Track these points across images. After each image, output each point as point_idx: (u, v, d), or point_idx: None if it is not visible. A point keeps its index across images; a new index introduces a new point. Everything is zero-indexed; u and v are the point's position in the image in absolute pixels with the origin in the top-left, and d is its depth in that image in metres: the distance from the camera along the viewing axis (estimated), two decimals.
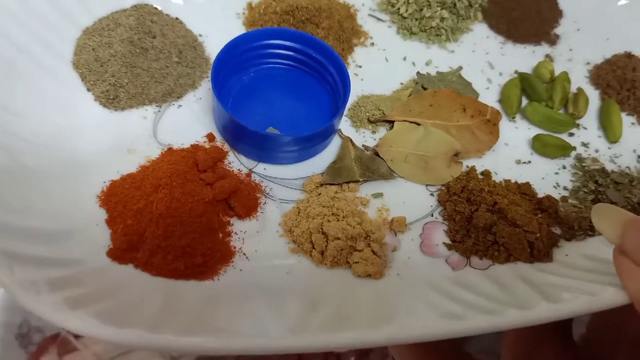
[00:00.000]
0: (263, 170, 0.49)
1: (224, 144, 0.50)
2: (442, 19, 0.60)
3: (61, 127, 0.47)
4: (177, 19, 0.56)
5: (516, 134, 0.55)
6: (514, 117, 0.55)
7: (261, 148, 0.48)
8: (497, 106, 0.56)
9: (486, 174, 0.51)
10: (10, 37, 0.47)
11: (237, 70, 0.52)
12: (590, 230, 0.48)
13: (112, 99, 0.49)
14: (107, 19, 0.53)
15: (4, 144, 0.42)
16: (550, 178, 0.52)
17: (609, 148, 0.55)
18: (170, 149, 0.48)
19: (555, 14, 0.64)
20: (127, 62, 0.50)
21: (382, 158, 0.50)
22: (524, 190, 0.50)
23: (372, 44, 0.59)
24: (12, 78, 0.46)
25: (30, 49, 0.48)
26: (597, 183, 0.51)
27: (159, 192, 0.43)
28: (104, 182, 0.45)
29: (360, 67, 0.57)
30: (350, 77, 0.50)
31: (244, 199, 0.46)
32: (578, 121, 0.56)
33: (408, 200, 0.49)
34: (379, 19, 0.61)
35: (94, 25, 0.52)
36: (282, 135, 0.48)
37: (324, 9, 0.56)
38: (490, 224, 0.45)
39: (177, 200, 0.43)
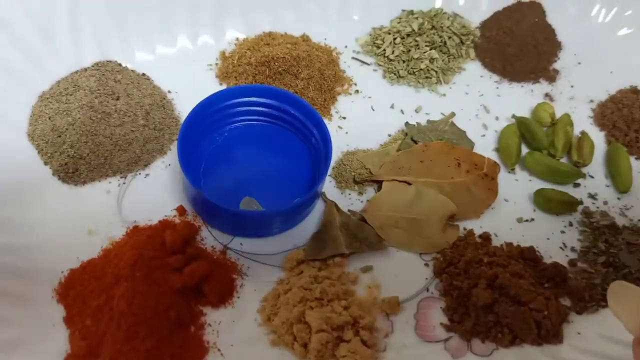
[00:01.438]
0: (239, 245, 0.44)
1: (195, 217, 0.45)
2: (432, 59, 0.56)
3: (16, 209, 0.42)
4: (143, 74, 0.51)
5: (516, 188, 0.50)
6: (513, 169, 0.51)
7: (236, 223, 0.44)
8: (494, 156, 0.52)
9: (485, 237, 0.47)
10: None
11: (208, 131, 0.48)
12: (603, 301, 0.43)
13: (71, 173, 0.45)
14: (66, 81, 0.48)
15: None
16: (556, 238, 0.47)
17: (619, 199, 0.50)
18: (135, 227, 0.44)
19: (554, 47, 0.60)
20: (87, 130, 0.45)
21: (370, 224, 0.46)
22: (528, 255, 0.45)
23: (357, 91, 0.54)
24: None
25: None
26: (608, 242, 0.46)
27: (120, 285, 0.39)
28: (62, 271, 0.41)
29: (344, 118, 0.53)
30: (331, 136, 0.45)
31: (218, 284, 0.41)
32: (584, 169, 0.52)
33: (401, 272, 0.44)
34: (363, 62, 0.57)
35: (51, 89, 0.48)
36: (258, 212, 0.43)
37: (303, 57, 0.52)
38: (491, 303, 0.41)
39: (140, 294, 0.38)
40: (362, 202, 0.48)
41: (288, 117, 0.48)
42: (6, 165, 0.44)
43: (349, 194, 0.48)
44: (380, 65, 0.56)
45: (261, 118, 0.49)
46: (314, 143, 0.47)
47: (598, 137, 0.54)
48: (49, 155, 0.45)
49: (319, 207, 0.47)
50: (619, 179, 0.51)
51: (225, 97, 0.47)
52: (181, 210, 0.45)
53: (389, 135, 0.52)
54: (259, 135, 0.49)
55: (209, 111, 0.46)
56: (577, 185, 0.51)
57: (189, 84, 0.52)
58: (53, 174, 0.45)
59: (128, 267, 0.39)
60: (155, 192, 0.46)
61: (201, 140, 0.47)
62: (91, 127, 0.45)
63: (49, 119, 0.46)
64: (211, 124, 0.47)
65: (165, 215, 0.45)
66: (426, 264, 0.45)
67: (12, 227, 0.41)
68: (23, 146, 0.46)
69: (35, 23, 0.48)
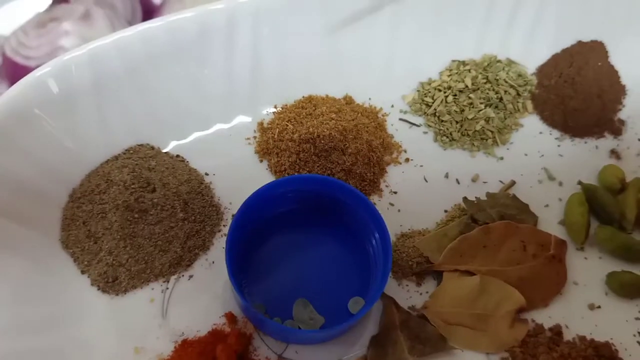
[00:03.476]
0: (295, 354, 0.42)
1: (246, 323, 0.43)
2: (488, 119, 0.52)
3: (61, 334, 0.40)
4: (178, 156, 0.48)
5: (586, 268, 0.47)
6: (582, 246, 0.48)
7: (290, 333, 0.42)
8: (560, 230, 0.48)
9: (556, 331, 0.44)
10: None
11: (254, 222, 0.44)
12: None
13: (111, 282, 0.42)
14: (97, 175, 0.45)
15: None
16: (631, 326, 0.44)
17: None
18: (184, 341, 0.41)
19: (619, 93, 0.55)
20: (125, 233, 0.42)
21: (431, 323, 0.43)
22: (604, 353, 0.42)
23: (407, 159, 0.51)
24: None
25: (11, 232, 0.41)
26: None
27: None
28: None
29: (395, 193, 0.49)
30: (383, 215, 0.42)
31: None
32: None
33: None
34: (412, 124, 0.53)
35: (82, 186, 0.45)
36: (313, 331, 0.41)
37: (350, 129, 0.48)
38: None
39: None
40: (421, 294, 0.45)
41: (347, 211, 0.44)
42: (41, 281, 0.41)
43: (407, 285, 0.45)
44: (430, 126, 0.52)
45: (313, 206, 0.45)
46: (373, 243, 0.43)
47: None
48: (85, 263, 0.43)
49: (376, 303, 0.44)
50: None
51: (275, 189, 0.43)
52: (231, 318, 0.43)
53: (445, 212, 0.49)
54: (311, 225, 0.46)
55: (256, 205, 0.43)
56: None
57: (227, 163, 0.49)
58: (92, 284, 0.43)
59: None
60: (201, 295, 0.43)
61: (247, 237, 0.44)
62: (129, 229, 0.43)
63: (83, 223, 0.43)
64: (257, 217, 0.44)
65: (214, 324, 0.42)
66: None
67: (56, 354, 0.39)
68: (57, 256, 0.43)
69: (59, 111, 0.44)
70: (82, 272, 0.43)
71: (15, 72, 0.52)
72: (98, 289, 0.43)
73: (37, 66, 0.45)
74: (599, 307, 0.45)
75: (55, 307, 0.41)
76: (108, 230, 0.43)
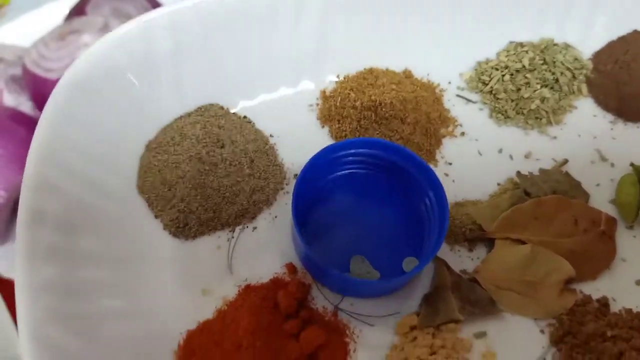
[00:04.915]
0: (350, 306, 0.44)
1: (305, 274, 0.45)
2: (543, 99, 0.53)
3: (133, 270, 0.43)
4: (245, 117, 0.51)
5: (635, 246, 0.48)
6: (632, 225, 0.49)
7: (348, 285, 0.44)
8: (611, 209, 0.50)
9: (603, 303, 0.45)
10: (71, 167, 0.43)
11: (318, 184, 0.47)
12: None
13: (182, 228, 0.45)
14: (171, 129, 0.48)
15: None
16: None
17: None
18: (247, 286, 0.44)
19: None
20: (197, 183, 0.46)
21: (482, 287, 0.45)
22: None
23: (463, 133, 0.53)
24: (75, 210, 0.43)
25: (91, 174, 0.44)
26: None
27: (241, 353, 0.40)
28: (181, 332, 0.42)
29: (450, 164, 0.51)
30: (444, 190, 0.44)
31: (332, 351, 0.42)
32: None
33: (516, 340, 0.44)
34: (468, 100, 0.55)
35: (157, 138, 0.48)
36: (370, 282, 0.43)
37: (409, 99, 0.50)
38: None
39: None
40: (472, 259, 0.47)
41: (403, 172, 0.47)
42: (117, 221, 0.44)
43: (459, 250, 0.47)
44: (486, 103, 0.54)
45: (372, 169, 0.48)
46: (427, 203, 0.46)
47: None
48: (159, 208, 0.46)
49: (428, 264, 0.47)
50: None
51: (337, 150, 0.46)
52: (291, 268, 0.45)
53: (498, 184, 0.50)
54: (368, 186, 0.48)
55: (319, 164, 0.46)
56: None
57: (290, 127, 0.51)
58: (164, 228, 0.46)
59: (248, 335, 0.40)
60: (264, 246, 0.46)
61: (309, 193, 0.47)
62: (200, 179, 0.46)
63: (159, 171, 0.46)
64: (319, 175, 0.47)
65: (276, 273, 0.45)
66: (542, 331, 0.44)
67: (127, 290, 0.42)
68: (133, 199, 0.46)
69: (140, 70, 0.47)
70: (156, 217, 0.46)
71: (36, 84, 0.52)
72: (169, 233, 0.46)
73: (58, 78, 0.47)
74: None
75: (130, 245, 0.44)
76: (181, 179, 0.46)
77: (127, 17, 0.57)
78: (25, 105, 0.55)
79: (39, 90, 0.51)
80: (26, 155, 0.42)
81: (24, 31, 0.60)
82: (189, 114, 0.50)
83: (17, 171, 0.46)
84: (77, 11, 0.59)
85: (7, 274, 0.47)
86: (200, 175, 0.46)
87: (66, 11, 0.60)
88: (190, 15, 0.48)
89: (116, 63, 0.47)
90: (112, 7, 0.58)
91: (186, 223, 0.45)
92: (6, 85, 0.55)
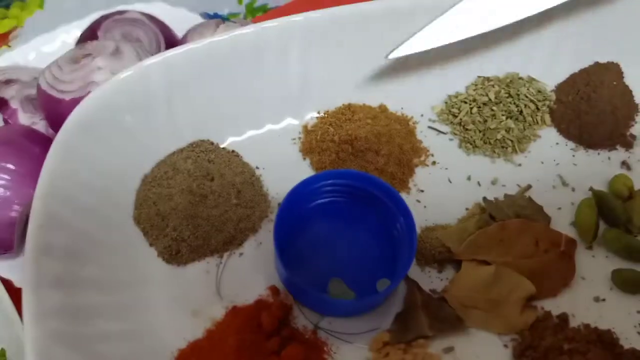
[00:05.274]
0: (328, 324, 0.49)
1: (287, 296, 0.50)
2: (508, 129, 0.58)
3: (129, 293, 0.48)
4: (233, 151, 0.56)
5: (593, 265, 0.52)
6: (590, 246, 0.53)
7: (326, 305, 0.48)
8: (571, 230, 0.54)
9: (563, 318, 0.49)
10: (74, 202, 0.48)
11: (298, 212, 0.52)
12: None
13: (174, 254, 0.50)
14: (165, 163, 0.53)
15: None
16: (633, 318, 0.49)
17: None
18: (234, 307, 0.48)
19: (631, 111, 0.61)
20: (188, 214, 0.50)
21: (450, 305, 0.49)
22: (606, 339, 0.48)
23: (434, 162, 0.57)
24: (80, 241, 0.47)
25: (94, 207, 0.49)
26: None
27: None
28: (172, 352, 0.46)
29: (422, 191, 0.56)
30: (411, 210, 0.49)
31: None
32: None
33: (481, 354, 0.47)
34: (439, 132, 0.59)
35: (152, 172, 0.53)
36: (346, 301, 0.48)
37: (383, 133, 0.55)
38: None
39: None
40: (441, 279, 0.51)
41: (374, 200, 0.51)
42: (115, 249, 0.49)
43: (429, 272, 0.52)
44: (456, 134, 0.59)
45: (346, 197, 0.52)
46: (398, 228, 0.50)
47: None
48: (154, 237, 0.50)
49: (400, 284, 0.51)
50: None
51: (316, 181, 0.51)
52: (274, 290, 0.49)
53: (466, 209, 0.55)
54: (346, 214, 0.52)
55: (300, 194, 0.50)
56: None
57: (275, 159, 0.56)
58: (158, 255, 0.50)
59: (233, 353, 0.44)
60: (249, 270, 0.51)
61: (290, 221, 0.51)
62: (191, 210, 0.50)
63: (154, 203, 0.51)
64: (300, 204, 0.51)
65: (260, 294, 0.49)
66: (505, 345, 0.48)
67: (123, 312, 0.46)
68: (130, 229, 0.51)
69: (138, 111, 0.52)
70: (151, 245, 0.51)
71: (50, 104, 0.54)
72: (163, 260, 0.50)
73: (72, 100, 0.52)
74: (604, 300, 0.51)
75: (127, 271, 0.49)
76: (174, 210, 0.50)
77: (137, 41, 0.62)
78: (39, 125, 0.59)
79: (53, 110, 0.54)
80: (39, 172, 0.46)
81: (38, 53, 0.65)
82: (181, 150, 0.54)
83: (31, 187, 0.48)
84: (89, 34, 0.63)
85: (20, 284, 0.50)
86: (191, 207, 0.50)
87: (78, 34, 0.65)
88: (183, 60, 0.53)
89: (117, 105, 0.51)
90: (123, 31, 0.63)
91: (178, 250, 0.50)
92: (21, 105, 0.59)
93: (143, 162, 0.54)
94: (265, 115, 0.58)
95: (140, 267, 0.50)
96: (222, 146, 0.56)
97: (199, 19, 0.69)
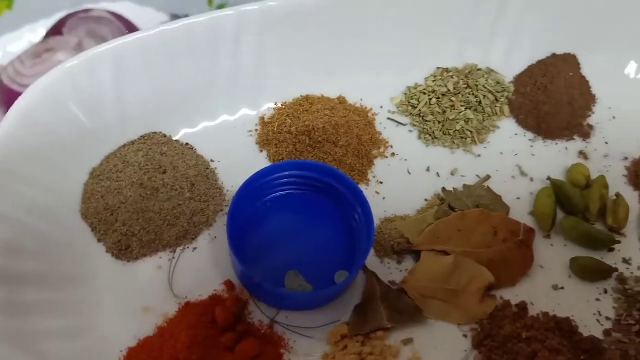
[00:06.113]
0: (285, 319, 0.48)
1: (243, 291, 0.49)
2: (467, 120, 0.58)
3: (74, 290, 0.46)
4: (187, 144, 0.55)
5: (552, 254, 0.53)
6: (548, 234, 0.54)
7: (282, 299, 0.48)
8: (530, 220, 0.55)
9: (522, 307, 0.50)
10: (15, 192, 0.46)
11: (253, 205, 0.51)
12: None
13: (124, 250, 0.49)
14: (115, 156, 0.52)
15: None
16: (591, 306, 0.50)
17: None
18: (187, 303, 0.47)
19: (589, 102, 0.62)
20: (138, 207, 0.49)
21: (409, 296, 0.49)
22: (564, 327, 0.48)
23: (393, 154, 0.58)
24: (21, 235, 0.46)
25: (37, 201, 0.48)
26: None
27: None
28: (121, 350, 0.45)
29: (381, 183, 0.56)
30: (370, 202, 0.49)
31: None
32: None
33: (440, 344, 0.48)
34: (399, 123, 0.60)
35: (102, 166, 0.52)
36: (305, 293, 0.47)
37: (341, 124, 0.55)
38: None
39: None
40: (401, 271, 0.51)
41: (332, 190, 0.51)
42: (61, 244, 0.48)
43: (388, 263, 0.52)
44: (415, 125, 0.59)
45: (303, 188, 0.52)
46: (356, 218, 0.50)
47: (633, 197, 0.56)
48: (102, 232, 0.49)
49: (359, 276, 0.51)
50: None
51: (271, 173, 0.50)
52: (229, 285, 0.49)
53: (426, 200, 0.55)
54: (301, 205, 0.52)
55: (255, 186, 0.50)
56: (611, 249, 0.53)
57: (230, 152, 0.55)
58: (107, 251, 0.49)
59: (185, 349, 0.43)
60: (204, 265, 0.50)
61: (245, 213, 0.50)
62: (141, 204, 0.49)
63: (102, 197, 0.50)
64: (255, 197, 0.51)
65: (215, 290, 0.49)
66: (465, 335, 0.48)
67: (70, 309, 0.45)
68: (77, 224, 0.50)
69: (85, 102, 0.51)
70: (99, 241, 0.49)
71: (12, 99, 0.54)
72: (112, 256, 0.49)
73: None
74: (562, 288, 0.51)
75: (74, 268, 0.47)
76: (123, 204, 0.49)
77: (102, 39, 0.62)
78: (2, 119, 0.58)
79: None
80: None
81: (4, 52, 0.66)
82: (132, 142, 0.53)
83: None
84: (53, 32, 0.63)
85: None
86: (142, 200, 0.49)
87: (44, 33, 0.65)
88: (133, 49, 0.52)
89: (61, 96, 0.50)
90: (88, 29, 0.63)
91: (128, 245, 0.49)
92: None
93: (91, 155, 0.52)
94: (219, 106, 0.57)
95: (88, 263, 0.48)
96: (175, 138, 0.55)
97: (167, 19, 0.69)
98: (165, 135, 0.55)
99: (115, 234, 0.49)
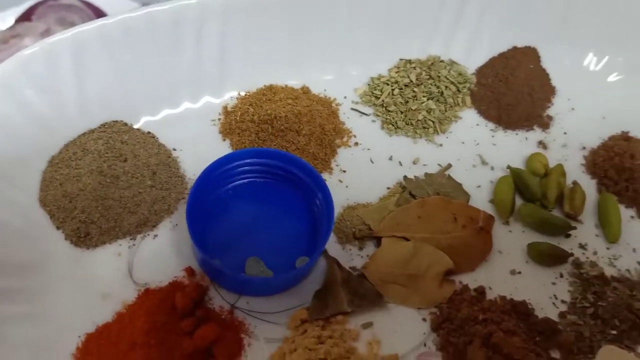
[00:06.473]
0: (246, 304, 0.49)
1: (203, 277, 0.49)
2: (429, 110, 0.60)
3: (31, 277, 0.46)
4: (149, 133, 0.55)
5: (510, 240, 0.54)
6: (507, 221, 0.55)
7: (243, 285, 0.48)
8: (490, 207, 0.56)
9: (480, 291, 0.51)
10: None
11: (213, 192, 0.52)
12: (590, 353, 0.48)
13: (83, 237, 0.49)
14: (75, 144, 0.52)
15: None
16: (547, 289, 0.52)
17: (608, 249, 0.55)
18: (147, 290, 0.48)
19: (548, 93, 0.64)
20: (98, 195, 0.49)
21: (369, 281, 0.50)
22: (520, 309, 0.50)
23: (357, 143, 0.59)
24: None
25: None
26: (596, 294, 0.51)
27: (136, 352, 0.43)
28: (79, 336, 0.45)
29: (344, 172, 0.57)
30: (332, 190, 0.49)
31: (227, 346, 0.45)
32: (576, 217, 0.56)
33: (400, 328, 0.49)
34: (362, 113, 0.61)
35: (61, 154, 0.52)
36: (264, 278, 0.48)
37: (304, 113, 0.56)
38: None
39: None
40: (362, 257, 0.52)
41: (292, 177, 0.52)
42: (20, 232, 0.48)
43: (350, 250, 0.53)
44: (378, 115, 0.61)
45: (265, 176, 0.53)
46: (317, 203, 0.51)
47: (590, 186, 0.58)
48: (60, 220, 0.49)
49: (320, 262, 0.51)
50: (608, 229, 0.55)
51: (233, 160, 0.51)
52: (190, 271, 0.49)
53: (388, 188, 0.56)
54: (262, 193, 0.53)
55: (216, 173, 0.51)
56: (568, 235, 0.55)
57: (192, 141, 0.56)
58: (65, 239, 0.49)
59: (143, 334, 0.44)
60: (164, 252, 0.50)
61: (207, 201, 0.51)
62: (101, 191, 0.50)
63: (60, 184, 0.50)
64: (216, 184, 0.52)
65: (175, 276, 0.49)
66: (424, 319, 0.49)
67: (29, 296, 0.45)
68: (35, 212, 0.50)
69: (44, 89, 0.51)
70: (58, 228, 0.49)
71: None
72: (71, 243, 0.49)
73: None
74: (520, 272, 0.53)
75: (32, 255, 0.47)
76: (82, 191, 0.49)
77: (71, 25, 0.62)
78: None
79: None
80: None
81: None
82: (92, 130, 0.54)
83: None
84: (22, 19, 0.63)
85: None
86: (101, 188, 0.50)
87: (13, 21, 0.64)
88: (93, 36, 0.53)
89: (18, 84, 0.50)
90: (58, 16, 0.63)
91: (87, 233, 0.49)
92: None
93: (51, 143, 0.53)
94: (182, 94, 0.57)
95: (47, 251, 0.48)
96: (137, 126, 0.56)
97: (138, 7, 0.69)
98: (126, 124, 0.55)
99: (74, 221, 0.49)
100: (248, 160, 0.52)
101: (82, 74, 0.53)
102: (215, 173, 0.50)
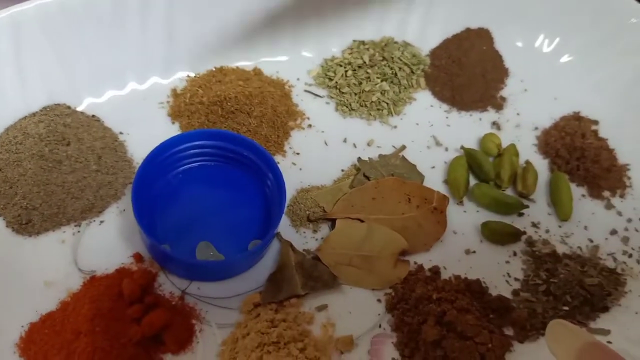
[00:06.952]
0: (197, 290, 0.48)
1: (153, 263, 0.49)
2: (383, 91, 0.60)
3: None
4: (93, 116, 0.54)
5: (464, 219, 0.55)
6: (461, 201, 0.56)
7: (193, 270, 0.48)
8: (444, 188, 0.57)
9: (434, 271, 0.52)
10: None
11: (162, 176, 0.51)
12: (543, 329, 0.49)
13: (25, 224, 0.47)
14: (14, 128, 0.51)
15: None
16: (501, 267, 0.53)
17: (560, 227, 0.56)
18: (93, 277, 0.47)
19: (502, 74, 0.65)
20: (39, 180, 0.48)
21: (324, 263, 0.51)
22: (474, 288, 0.50)
23: (310, 125, 0.59)
24: None
25: None
26: (548, 271, 0.52)
27: (80, 340, 0.42)
28: (22, 326, 0.44)
29: (298, 154, 0.57)
30: (285, 173, 0.50)
31: (177, 332, 0.45)
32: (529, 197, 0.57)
33: (355, 309, 0.49)
34: (316, 95, 0.61)
35: (0, 138, 0.50)
36: (214, 262, 0.47)
37: (255, 94, 0.55)
38: (439, 339, 0.46)
39: (101, 349, 0.42)
40: (316, 239, 0.52)
41: (242, 159, 0.52)
42: None
43: (304, 232, 0.53)
44: (332, 97, 0.61)
45: (215, 159, 0.53)
46: (269, 185, 0.51)
47: (542, 165, 0.60)
48: (1, 206, 0.48)
49: (274, 246, 0.51)
50: (560, 208, 0.57)
51: (179, 142, 0.50)
52: (138, 257, 0.48)
53: (342, 171, 0.56)
54: (213, 176, 0.53)
55: (162, 157, 0.50)
56: (521, 214, 0.56)
57: (140, 124, 0.55)
58: (7, 226, 0.48)
59: (87, 322, 0.43)
60: (111, 239, 0.49)
61: (155, 185, 0.50)
62: (43, 176, 0.48)
63: (0, 170, 0.48)
64: (164, 168, 0.51)
65: (122, 263, 0.48)
66: (379, 300, 0.50)
67: None
68: None
69: None
70: None
71: None
72: (12, 230, 0.48)
73: None
74: (474, 252, 0.54)
75: None
76: (23, 176, 0.48)
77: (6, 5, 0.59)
78: None
79: None
80: None
81: None
82: (33, 114, 0.52)
83: None
84: None
85: None
86: (43, 173, 0.48)
87: None
88: (33, 16, 0.51)
89: None
90: None
91: (29, 219, 0.48)
92: None
93: None
94: (127, 74, 0.56)
95: None
96: (80, 108, 0.54)
97: None
98: (69, 107, 0.53)
99: (15, 207, 0.47)
100: (198, 143, 0.51)
101: (21, 54, 0.51)
102: (163, 156, 0.50)
